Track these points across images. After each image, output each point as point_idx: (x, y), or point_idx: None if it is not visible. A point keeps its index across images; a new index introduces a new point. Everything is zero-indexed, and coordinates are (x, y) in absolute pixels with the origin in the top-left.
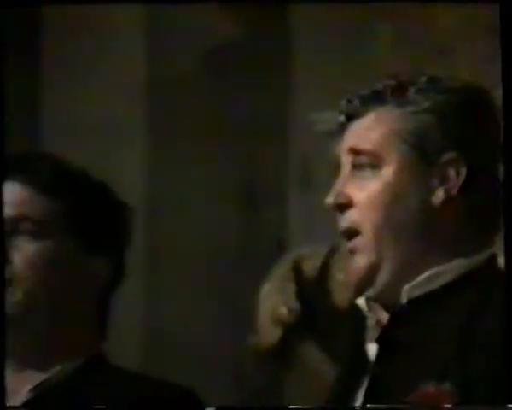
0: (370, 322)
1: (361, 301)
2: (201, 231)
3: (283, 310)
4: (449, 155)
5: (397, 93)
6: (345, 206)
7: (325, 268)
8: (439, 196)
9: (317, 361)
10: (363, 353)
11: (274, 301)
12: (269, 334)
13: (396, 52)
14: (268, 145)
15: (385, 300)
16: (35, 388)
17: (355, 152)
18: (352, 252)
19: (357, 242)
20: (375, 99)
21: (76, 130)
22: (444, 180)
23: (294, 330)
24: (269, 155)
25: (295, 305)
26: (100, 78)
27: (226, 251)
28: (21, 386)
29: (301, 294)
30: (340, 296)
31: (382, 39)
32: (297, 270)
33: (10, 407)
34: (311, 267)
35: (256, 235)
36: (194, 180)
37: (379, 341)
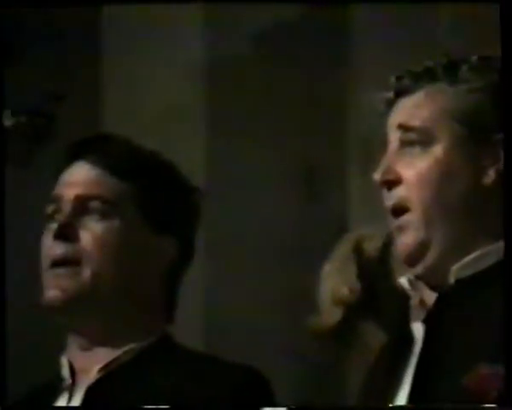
0: (414, 301)
1: (403, 280)
2: (262, 213)
3: (344, 290)
4: (501, 135)
5: (448, 71)
6: (393, 182)
7: (386, 248)
8: (490, 176)
9: (377, 341)
10: (409, 332)
11: (335, 282)
12: (330, 314)
13: (456, 32)
14: (327, 126)
15: (431, 279)
16: (104, 367)
17: (404, 128)
18: (400, 229)
19: (404, 219)
20: (425, 76)
21: (137, 116)
22: (496, 160)
23: (355, 311)
24: (328, 135)
25: (356, 285)
26: (160, 63)
27: (286, 232)
28: (90, 365)
29: (362, 274)
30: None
31: (444, 17)
32: (358, 250)
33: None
34: (372, 247)
35: (316, 215)
36: (254, 163)
37: (426, 321)
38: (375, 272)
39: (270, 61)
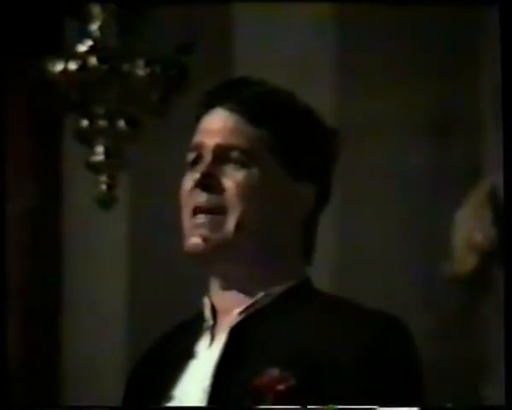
0: None
1: None
2: (396, 158)
3: (479, 236)
4: None
5: None
6: None
7: None
8: None
9: None
10: None
11: (469, 228)
12: (464, 261)
13: None
14: (461, 74)
15: None
16: (245, 310)
17: None
18: None
19: None
20: None
21: (267, 64)
22: None
23: (490, 257)
24: (462, 84)
25: (491, 232)
26: (290, 11)
27: (419, 179)
28: (230, 307)
29: (497, 220)
30: None
31: None
32: (493, 197)
33: None
34: None
35: (450, 163)
36: (389, 109)
37: None
38: None
39: (406, 7)
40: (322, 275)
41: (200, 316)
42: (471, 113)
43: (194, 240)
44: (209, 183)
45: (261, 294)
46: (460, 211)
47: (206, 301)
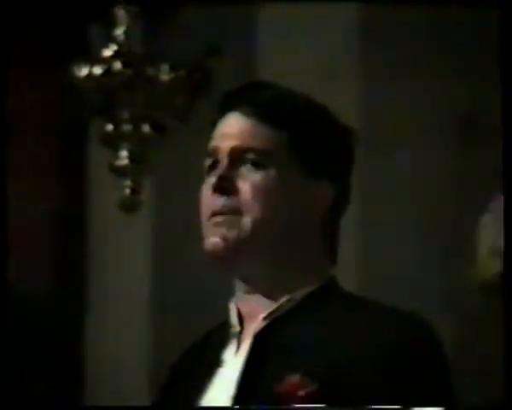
0: None
1: None
2: (417, 159)
3: (503, 241)
4: None
5: None
6: None
7: None
8: None
9: None
10: None
11: (493, 233)
12: (487, 265)
13: None
14: (489, 78)
15: None
16: (269, 315)
17: None
18: None
19: None
20: None
21: (292, 69)
22: None
23: None
24: (489, 84)
25: None
26: (315, 17)
27: (444, 183)
28: (255, 312)
29: None
30: None
31: None
32: None
33: None
34: None
35: (475, 167)
36: (413, 111)
37: None
38: None
39: (433, 7)
40: (348, 277)
41: (226, 322)
42: (493, 113)
43: (213, 239)
44: (225, 186)
45: (285, 298)
46: (485, 215)
47: (233, 307)
